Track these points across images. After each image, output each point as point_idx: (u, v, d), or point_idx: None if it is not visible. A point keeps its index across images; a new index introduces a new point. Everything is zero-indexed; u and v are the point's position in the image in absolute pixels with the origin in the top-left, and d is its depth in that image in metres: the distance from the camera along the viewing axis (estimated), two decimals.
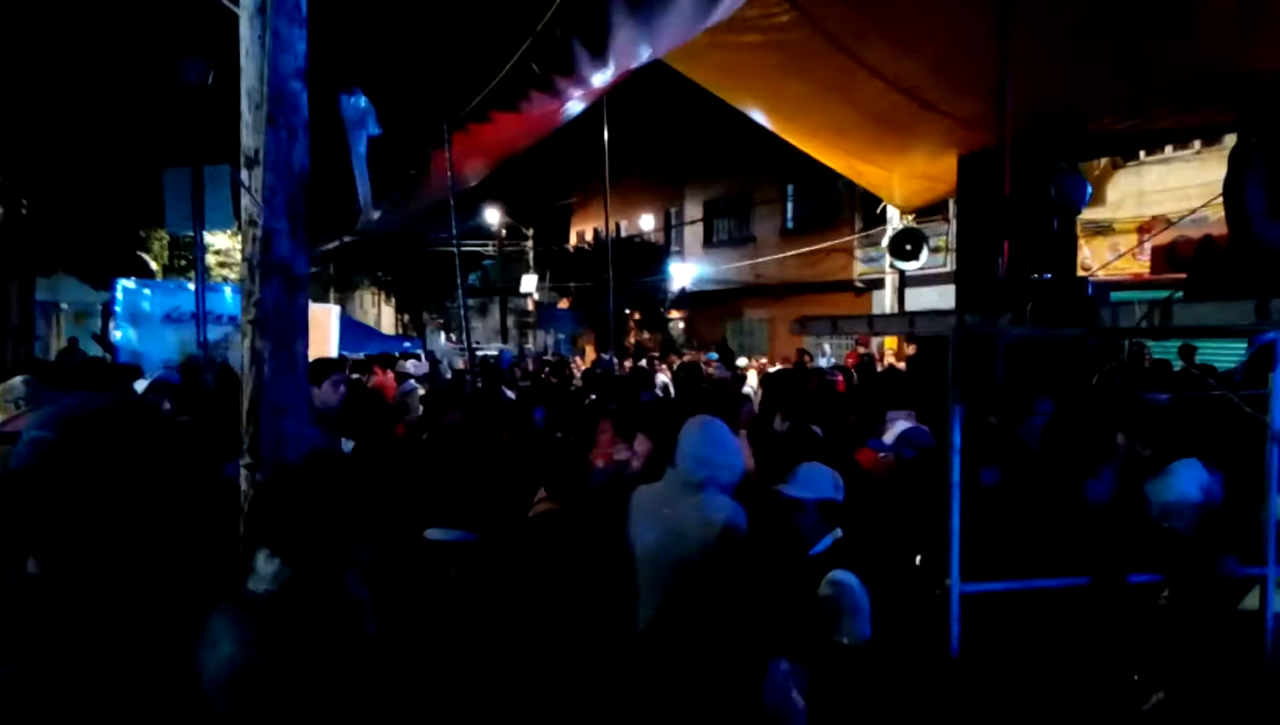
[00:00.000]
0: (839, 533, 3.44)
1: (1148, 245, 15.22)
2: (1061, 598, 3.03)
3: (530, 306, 36.76)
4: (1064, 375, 4.87)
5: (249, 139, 3.01)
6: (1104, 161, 16.57)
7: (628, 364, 17.47)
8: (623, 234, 32.67)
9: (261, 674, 2.02)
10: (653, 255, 30.74)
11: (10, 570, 1.56)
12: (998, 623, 3.07)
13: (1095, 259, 15.29)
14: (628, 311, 28.92)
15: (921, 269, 15.00)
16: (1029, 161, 7.58)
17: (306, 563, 2.16)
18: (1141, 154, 16.20)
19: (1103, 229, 16.53)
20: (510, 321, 39.05)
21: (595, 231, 34.13)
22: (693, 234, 32.15)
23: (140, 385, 5.75)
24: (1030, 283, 4.03)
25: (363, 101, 3.33)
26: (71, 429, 1.74)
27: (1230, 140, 10.45)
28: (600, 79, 5.97)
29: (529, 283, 33.32)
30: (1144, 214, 16.20)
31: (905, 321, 3.76)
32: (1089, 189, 4.90)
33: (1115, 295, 5.02)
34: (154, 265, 20.76)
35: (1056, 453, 3.76)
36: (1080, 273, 9.81)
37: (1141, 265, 15.47)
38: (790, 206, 27.47)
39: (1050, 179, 6.83)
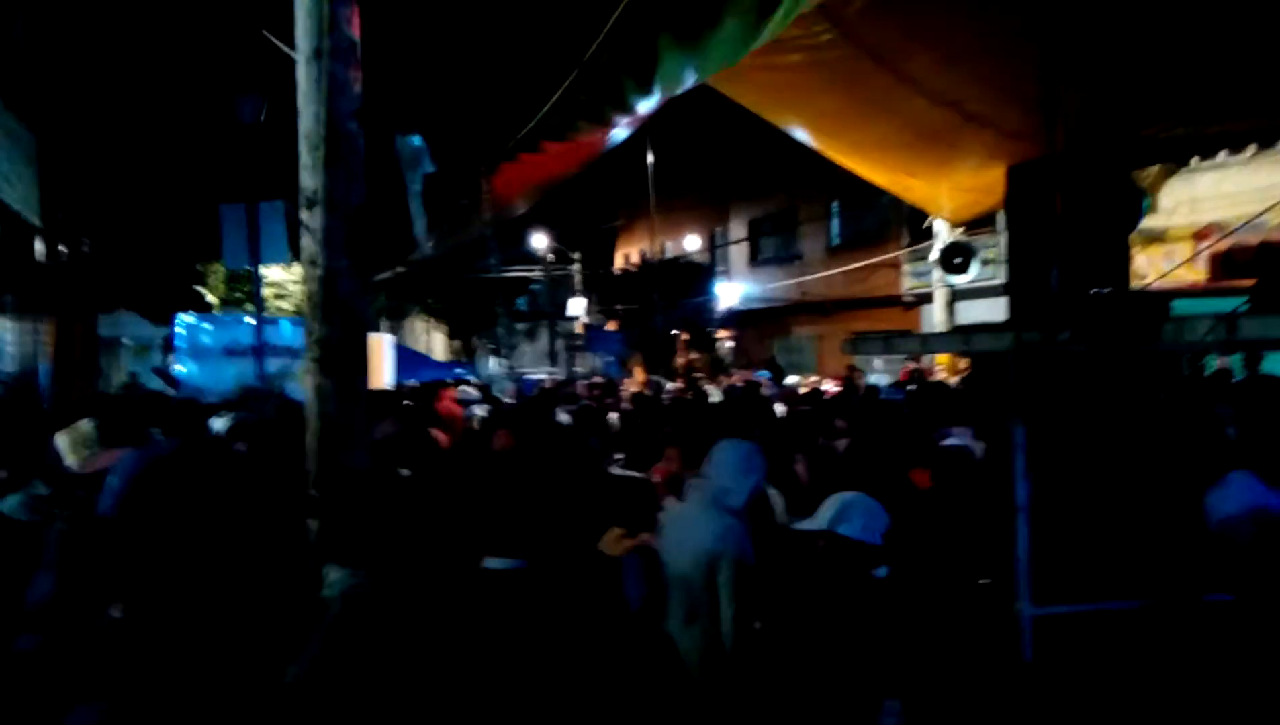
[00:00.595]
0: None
1: (1204, 253, 14.91)
2: (1134, 618, 2.98)
3: (578, 329, 36.92)
4: (1133, 394, 4.77)
5: (308, 180, 3.08)
6: (1156, 168, 16.26)
7: (679, 384, 17.43)
8: (668, 255, 32.73)
9: (336, 673, 2.12)
10: (699, 275, 30.75)
11: (97, 613, 1.61)
12: (1070, 643, 3.02)
13: (1150, 268, 15.00)
14: (675, 332, 28.93)
15: (972, 282, 14.84)
16: (1080, 171, 7.47)
17: (371, 570, 2.27)
18: (1194, 160, 15.88)
19: (1156, 237, 16.21)
20: (559, 345, 39.26)
21: (641, 253, 34.24)
22: (738, 253, 32.12)
23: (218, 423, 5.84)
24: (1088, 297, 3.96)
25: (417, 140, 3.40)
26: (150, 477, 1.79)
27: None
28: (646, 106, 6.01)
29: (576, 306, 33.50)
30: (1198, 220, 15.87)
31: (960, 339, 3.72)
32: (1145, 201, 4.83)
33: (1175, 305, 4.91)
34: (211, 298, 21.21)
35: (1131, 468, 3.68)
36: (1134, 283, 9.63)
37: (1198, 273, 15.16)
38: (836, 223, 27.36)
39: (1103, 192, 6.72)
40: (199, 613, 1.84)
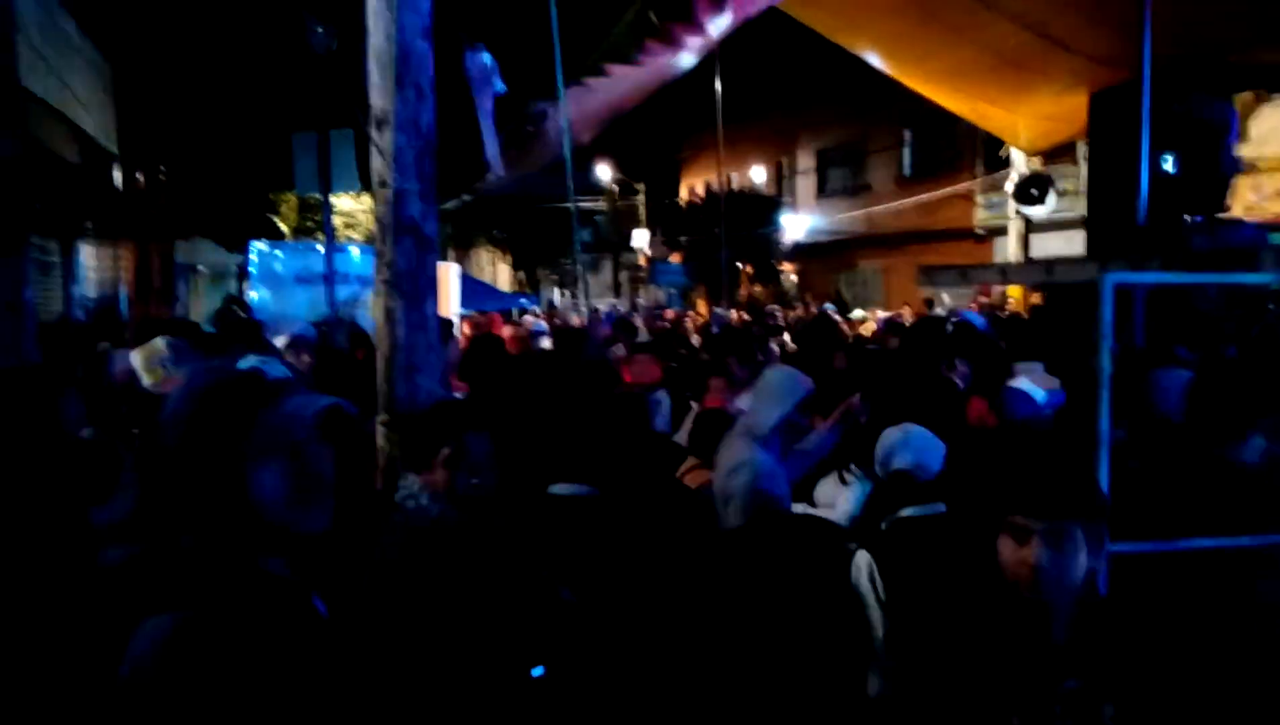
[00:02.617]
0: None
1: None
2: (1213, 560, 2.89)
3: (642, 262, 36.82)
4: (1214, 326, 4.59)
5: (378, 100, 3.06)
6: (1248, 95, 15.51)
7: (740, 315, 17.31)
8: (734, 186, 32.32)
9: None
10: (764, 207, 30.32)
11: (173, 533, 1.63)
12: (1142, 585, 2.95)
13: (1238, 200, 14.39)
14: (739, 264, 28.67)
15: (1049, 215, 14.40)
16: (1168, 97, 7.14)
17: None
18: None
19: (1246, 168, 15.51)
20: (623, 277, 39.24)
21: (706, 185, 33.85)
22: (805, 185, 31.57)
23: (280, 341, 5.98)
24: (1179, 226, 3.78)
25: (487, 59, 3.35)
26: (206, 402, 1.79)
27: None
28: (717, 27, 5.87)
29: (640, 238, 33.37)
30: None
31: (1042, 270, 3.58)
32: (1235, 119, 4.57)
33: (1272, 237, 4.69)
34: (284, 227, 21.51)
35: (1202, 410, 3.55)
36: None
37: None
38: (908, 153, 26.68)
39: (1193, 110, 6.39)
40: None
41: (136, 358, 3.96)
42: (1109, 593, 2.74)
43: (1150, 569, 2.84)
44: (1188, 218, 4.00)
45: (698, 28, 5.60)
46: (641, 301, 32.24)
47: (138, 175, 16.17)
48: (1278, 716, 1.94)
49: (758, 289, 30.37)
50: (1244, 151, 15.55)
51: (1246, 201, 14.24)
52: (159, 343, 4.00)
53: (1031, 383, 4.64)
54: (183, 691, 1.31)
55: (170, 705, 1.30)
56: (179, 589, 1.41)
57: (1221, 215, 6.19)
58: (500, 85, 3.37)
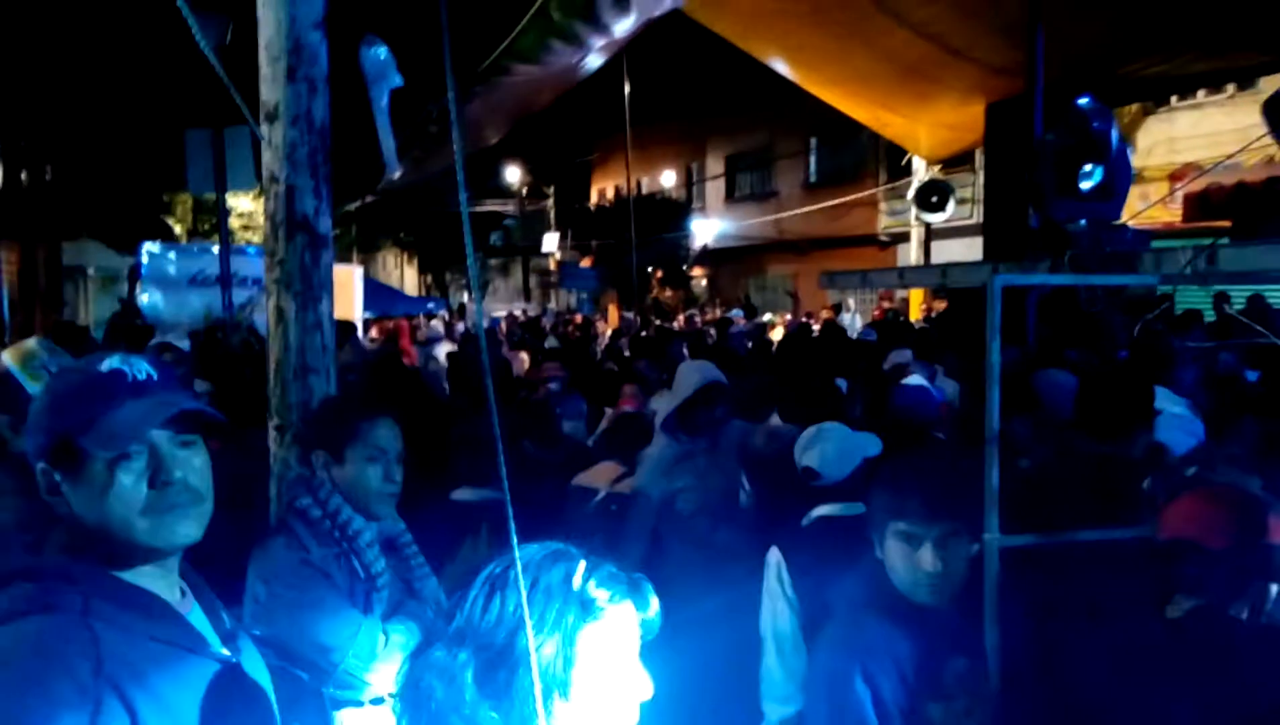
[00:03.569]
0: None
1: (1179, 193, 14.92)
2: (1096, 553, 2.97)
3: (552, 266, 36.67)
4: (1102, 327, 4.76)
5: (268, 93, 2.96)
6: (1135, 108, 16.21)
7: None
8: (644, 191, 32.42)
9: None
10: (674, 212, 30.50)
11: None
12: (1032, 579, 3.01)
13: (1125, 208, 15.00)
14: (650, 269, 28.77)
15: (948, 221, 14.79)
16: (1059, 107, 7.39)
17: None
18: (1173, 100, 15.83)
19: (1133, 177, 16.20)
20: (533, 281, 39.01)
21: (616, 189, 33.89)
22: (715, 190, 31.86)
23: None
24: (1065, 231, 3.92)
25: (383, 53, 3.26)
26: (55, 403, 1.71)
27: (1265, 84, 10.17)
28: (622, 27, 5.85)
29: (550, 242, 33.21)
30: (1175, 161, 15.87)
31: (937, 273, 3.68)
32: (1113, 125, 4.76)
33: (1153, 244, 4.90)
34: (178, 228, 20.83)
35: (1092, 409, 3.66)
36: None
37: (1173, 213, 15.18)
38: (813, 160, 27.13)
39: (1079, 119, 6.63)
40: None
41: (8, 358, 3.76)
42: (998, 581, 2.81)
43: (1037, 559, 2.90)
44: (1072, 223, 4.18)
45: (601, 27, 5.58)
46: (552, 306, 32.13)
47: (21, 174, 15.47)
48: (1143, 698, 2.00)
49: (668, 294, 30.52)
50: (1132, 162, 16.25)
51: (1133, 209, 14.84)
52: (31, 343, 3.82)
53: (922, 380, 4.74)
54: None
55: None
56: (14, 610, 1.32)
57: (1110, 222, 6.45)
58: (397, 79, 3.30)
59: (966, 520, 2.17)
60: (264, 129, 2.93)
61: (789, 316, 18.31)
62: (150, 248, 12.87)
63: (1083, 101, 4.21)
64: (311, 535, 2.39)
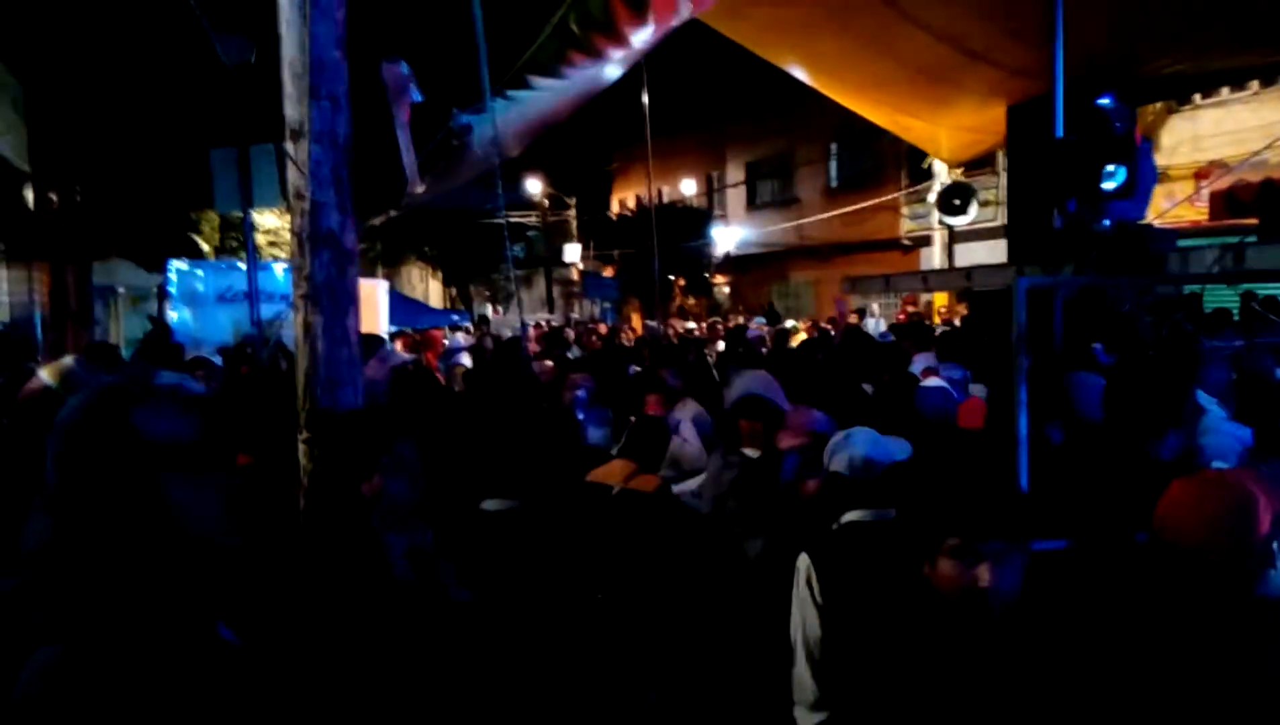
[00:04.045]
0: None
1: (1205, 191, 14.77)
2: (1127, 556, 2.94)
3: (575, 276, 36.78)
4: (1130, 328, 4.72)
5: (292, 111, 3.00)
6: (1158, 106, 16.09)
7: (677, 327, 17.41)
8: (665, 200, 32.48)
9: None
10: (695, 220, 30.55)
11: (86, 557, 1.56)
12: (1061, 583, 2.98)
13: (1151, 207, 14.88)
14: (672, 277, 28.80)
15: (971, 224, 14.71)
16: (1080, 108, 7.35)
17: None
18: (1196, 98, 15.70)
19: (1158, 176, 16.07)
20: (556, 291, 39.15)
21: (637, 198, 33.97)
22: (735, 197, 31.88)
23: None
24: (1090, 232, 3.89)
25: (404, 69, 3.30)
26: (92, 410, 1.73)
27: None
28: (640, 38, 5.88)
29: (573, 252, 33.34)
30: (1200, 159, 15.74)
31: (961, 276, 3.66)
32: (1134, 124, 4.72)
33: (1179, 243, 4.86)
34: (205, 246, 21.04)
35: (1122, 410, 3.63)
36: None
37: (1199, 212, 15.03)
38: (834, 165, 27.11)
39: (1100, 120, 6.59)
40: (171, 553, 1.78)
41: (47, 376, 3.83)
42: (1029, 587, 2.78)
43: (1071, 564, 2.88)
44: (1096, 224, 4.16)
45: (619, 39, 5.61)
46: (575, 316, 32.22)
47: (51, 195, 15.70)
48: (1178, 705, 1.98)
49: (690, 301, 30.55)
50: (1157, 160, 16.11)
51: (1159, 209, 14.72)
52: (67, 361, 3.88)
53: (943, 382, 4.72)
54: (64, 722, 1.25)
55: None
56: (70, 617, 1.34)
57: (1135, 222, 6.42)
58: (417, 95, 3.33)
59: (1019, 539, 2.13)
60: (288, 146, 2.97)
61: (812, 322, 18.26)
62: (178, 265, 13.03)
63: (1103, 101, 4.18)
64: None
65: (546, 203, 36.92)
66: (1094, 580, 2.79)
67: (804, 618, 3.06)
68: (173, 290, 12.65)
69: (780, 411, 4.08)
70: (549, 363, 8.80)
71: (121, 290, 19.34)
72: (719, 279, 31.29)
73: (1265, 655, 1.85)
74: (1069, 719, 2.06)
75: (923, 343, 7.67)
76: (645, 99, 13.22)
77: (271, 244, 20.44)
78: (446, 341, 13.63)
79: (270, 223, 20.67)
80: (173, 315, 12.42)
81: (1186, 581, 2.02)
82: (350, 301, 3.07)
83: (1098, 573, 2.88)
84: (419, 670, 2.37)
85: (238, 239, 19.42)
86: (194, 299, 12.32)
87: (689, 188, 32.87)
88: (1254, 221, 6.91)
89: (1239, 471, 2.97)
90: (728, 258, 29.68)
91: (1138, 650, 1.97)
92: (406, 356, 9.17)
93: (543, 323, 21.21)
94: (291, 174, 2.97)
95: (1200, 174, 15.36)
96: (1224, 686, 1.81)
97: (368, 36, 3.64)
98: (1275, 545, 2.00)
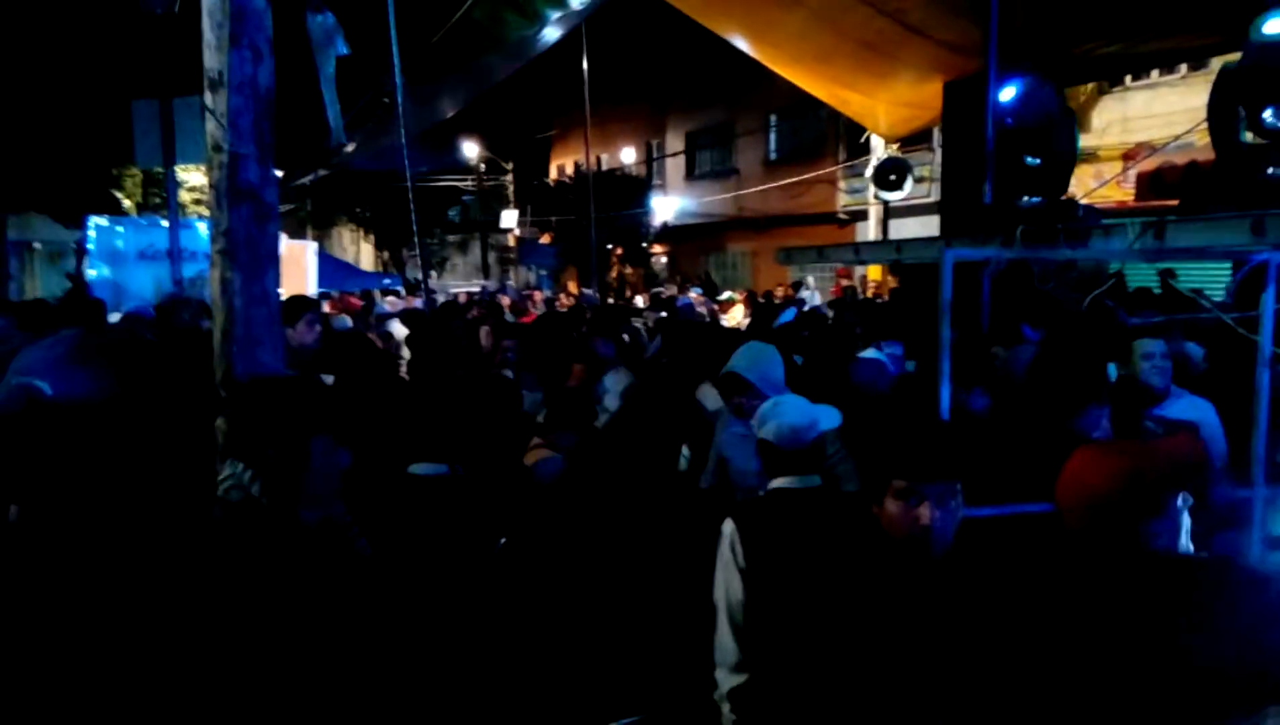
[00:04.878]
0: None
1: (1132, 172, 15.12)
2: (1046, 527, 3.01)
3: (511, 242, 36.45)
4: (1053, 302, 4.81)
5: (211, 60, 2.88)
6: (1090, 87, 16.39)
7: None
8: (604, 167, 32.28)
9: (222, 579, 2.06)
10: (634, 189, 30.42)
11: None
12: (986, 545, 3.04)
13: (1079, 186, 15.18)
14: (610, 246, 28.69)
15: (906, 199, 14.87)
16: (1014, 87, 7.45)
17: (261, 469, 2.20)
18: (1127, 79, 16.02)
19: (1087, 156, 16.39)
20: (492, 257, 38.75)
21: (576, 165, 33.70)
22: (675, 167, 31.80)
23: (113, 318, 5.65)
24: (1018, 207, 3.96)
25: (330, 20, 3.19)
26: (58, 372, 1.68)
27: (1216, 64, 10.30)
28: (580, 1, 5.79)
29: (509, 218, 32.97)
30: (1129, 140, 16.08)
31: (891, 249, 3.71)
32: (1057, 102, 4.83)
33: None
34: (127, 203, 20.39)
35: (1045, 384, 3.70)
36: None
37: (1126, 192, 15.40)
38: (773, 137, 27.17)
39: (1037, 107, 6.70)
40: (96, 511, 1.74)
41: None
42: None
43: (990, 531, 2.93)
44: (1024, 200, 4.22)
45: (558, 0, 5.51)
46: (511, 282, 31.96)
47: None
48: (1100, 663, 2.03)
49: (628, 270, 30.49)
50: (1086, 141, 16.42)
51: (1086, 187, 15.03)
52: None
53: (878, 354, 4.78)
54: None
55: None
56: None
57: (1061, 199, 6.54)
58: (343, 48, 3.22)
59: (958, 478, 2.28)
60: (207, 97, 2.85)
61: (747, 293, 18.34)
62: (98, 221, 12.60)
63: (1025, 79, 4.25)
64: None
65: (483, 167, 36.45)
66: (1018, 544, 2.86)
67: (727, 581, 3.07)
68: (91, 247, 12.23)
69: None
70: (484, 328, 8.70)
71: (38, 245, 18.67)
72: (657, 248, 31.26)
73: (1158, 607, 1.92)
74: (987, 665, 2.13)
75: (874, 325, 7.72)
76: (585, 64, 13.08)
77: (197, 201, 19.87)
78: (376, 305, 13.39)
79: (198, 181, 20.07)
80: (91, 273, 12.01)
81: (1081, 545, 2.13)
82: (270, 259, 2.98)
83: (1021, 538, 2.94)
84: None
85: (161, 196, 18.83)
86: (114, 257, 11.93)
87: (629, 156, 32.71)
88: (1178, 202, 7.11)
89: (1123, 443, 3.07)
90: (665, 227, 29.64)
91: (1048, 611, 2.05)
92: (347, 321, 9.00)
93: (475, 290, 20.99)
94: (210, 125, 2.86)
95: (1128, 155, 15.71)
96: (1115, 639, 1.89)
97: None
98: (1175, 504, 2.10)
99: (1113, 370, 3.80)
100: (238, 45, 2.86)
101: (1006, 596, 2.18)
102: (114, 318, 5.88)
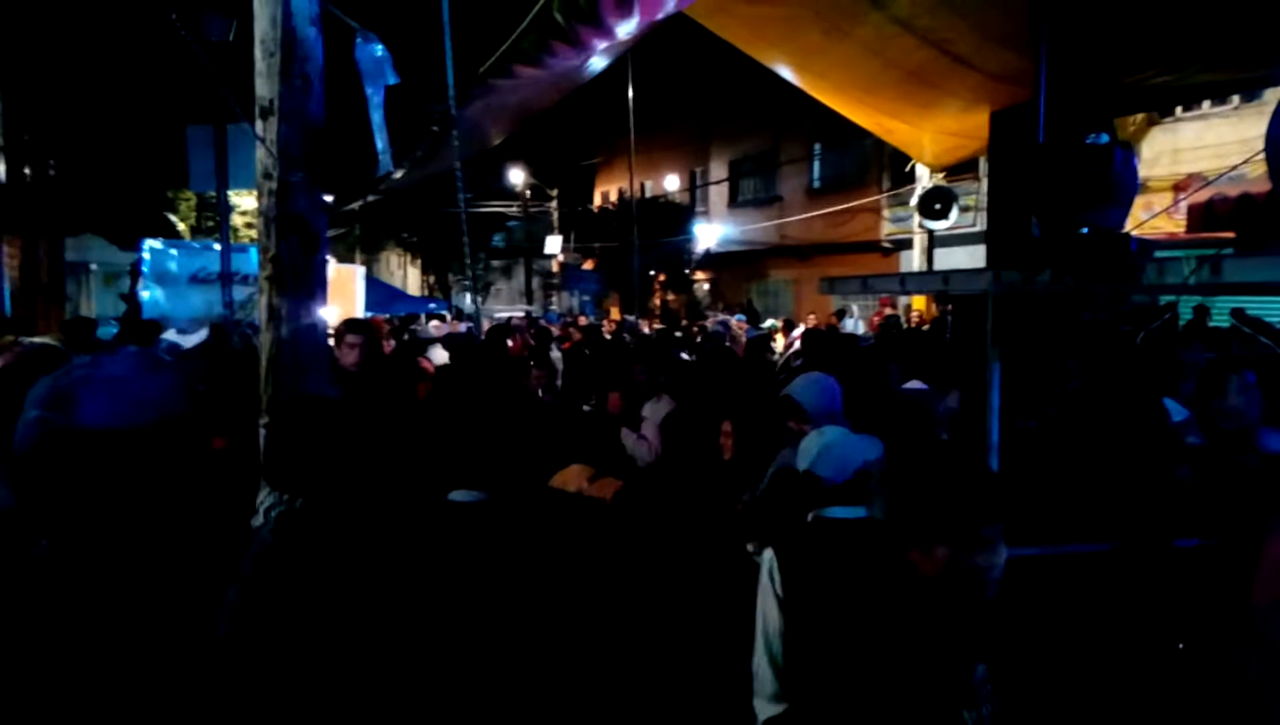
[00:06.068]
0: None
1: (1183, 203, 14.88)
2: (1101, 563, 2.94)
3: (555, 268, 36.66)
4: (1107, 337, 4.72)
5: (263, 88, 2.93)
6: (1140, 118, 16.19)
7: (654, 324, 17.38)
8: (647, 194, 32.41)
9: (259, 604, 2.05)
10: (677, 216, 30.50)
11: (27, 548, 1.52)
12: (1034, 587, 2.98)
13: (1129, 218, 14.96)
14: (652, 273, 28.75)
15: (951, 229, 14.77)
16: (1064, 116, 7.36)
17: (303, 496, 2.20)
18: (1178, 110, 15.81)
19: (1139, 187, 16.17)
20: (535, 283, 39.02)
21: (620, 192, 33.89)
22: (718, 194, 31.84)
23: (170, 337, 5.73)
24: (1068, 239, 3.88)
25: (379, 49, 3.24)
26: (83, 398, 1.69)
27: (1270, 95, 10.13)
28: (625, 29, 5.82)
29: (553, 244, 33.19)
30: (1180, 171, 15.84)
31: (939, 279, 3.65)
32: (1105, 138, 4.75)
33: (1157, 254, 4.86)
34: (181, 226, 20.82)
35: (1096, 417, 3.64)
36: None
37: (1177, 224, 15.14)
38: (817, 165, 27.11)
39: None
40: (130, 541, 1.75)
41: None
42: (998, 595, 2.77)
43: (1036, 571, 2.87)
44: (1075, 232, 4.14)
45: (604, 30, 5.55)
46: (554, 307, 32.12)
47: (25, 168, 15.47)
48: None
49: (670, 297, 30.52)
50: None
51: (1137, 220, 14.80)
52: (49, 339, 3.83)
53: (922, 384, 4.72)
54: None
55: None
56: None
57: (1114, 231, 6.44)
58: (393, 77, 3.26)
59: (1004, 522, 2.17)
60: (258, 125, 2.90)
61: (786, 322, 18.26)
62: (152, 244, 12.86)
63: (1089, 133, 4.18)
64: None
65: (528, 193, 36.76)
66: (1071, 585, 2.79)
67: (765, 610, 3.03)
68: (146, 269, 12.48)
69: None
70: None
71: (94, 267, 19.10)
72: (699, 275, 31.27)
73: None
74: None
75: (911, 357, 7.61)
76: (630, 92, 13.16)
77: (250, 226, 20.26)
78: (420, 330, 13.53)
79: (250, 204, 20.46)
80: (144, 294, 12.25)
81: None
82: (318, 285, 3.01)
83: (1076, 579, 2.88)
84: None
85: (214, 219, 19.20)
86: (166, 278, 12.16)
87: (672, 183, 32.81)
88: (1230, 235, 6.94)
89: None
90: (708, 254, 29.65)
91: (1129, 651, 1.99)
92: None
93: (519, 316, 21.09)
94: (260, 153, 2.90)
95: (1179, 186, 15.47)
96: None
97: (345, 15, 3.57)
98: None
99: (1171, 404, 3.72)
100: (288, 74, 2.91)
101: (1059, 641, 2.12)
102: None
